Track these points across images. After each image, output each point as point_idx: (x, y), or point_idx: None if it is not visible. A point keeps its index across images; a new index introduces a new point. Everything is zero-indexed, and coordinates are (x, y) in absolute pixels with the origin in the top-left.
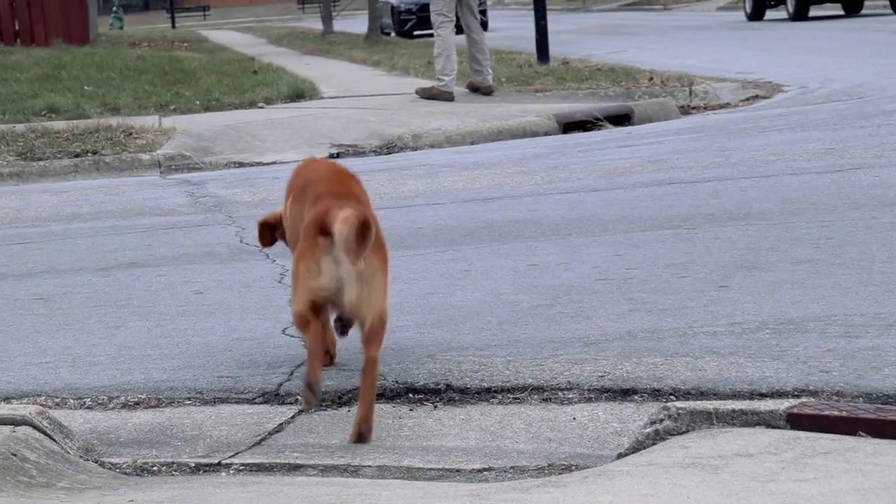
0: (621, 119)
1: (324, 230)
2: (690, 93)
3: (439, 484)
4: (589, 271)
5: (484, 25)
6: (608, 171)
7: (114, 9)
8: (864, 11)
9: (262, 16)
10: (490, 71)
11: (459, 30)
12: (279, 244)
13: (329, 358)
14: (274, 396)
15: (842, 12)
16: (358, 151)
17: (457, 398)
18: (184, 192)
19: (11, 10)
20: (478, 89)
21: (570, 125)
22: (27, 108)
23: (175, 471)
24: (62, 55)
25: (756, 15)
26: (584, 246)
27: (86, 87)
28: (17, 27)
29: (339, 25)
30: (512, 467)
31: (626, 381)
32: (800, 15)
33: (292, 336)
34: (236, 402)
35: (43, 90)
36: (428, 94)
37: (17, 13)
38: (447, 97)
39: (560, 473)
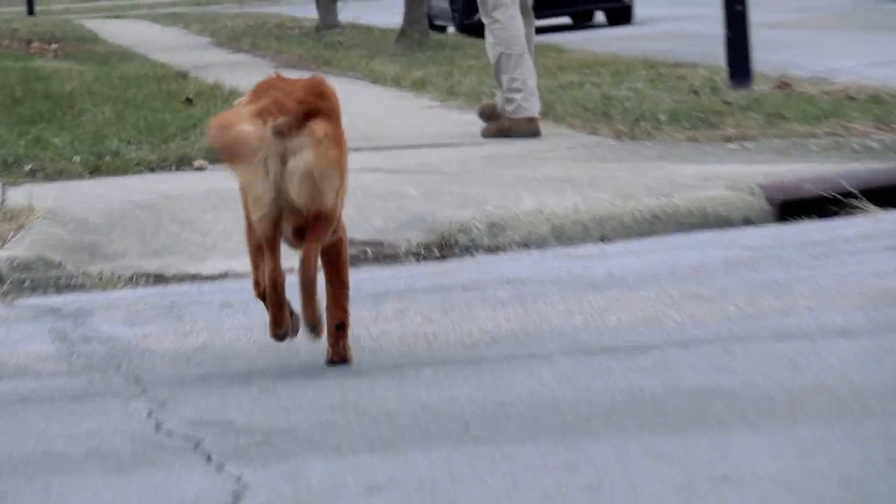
0: (895, 194)
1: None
2: None
3: None
4: (837, 493)
5: (626, 12)
6: (871, 296)
7: None
8: None
9: None
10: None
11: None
12: None
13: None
14: None
15: None
16: (385, 254)
17: None
18: (48, 333)
19: None
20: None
21: (793, 205)
22: None
23: None
24: None
25: None
26: (824, 443)
27: None
28: None
29: (348, 14)
30: None
31: None
32: None
33: None
34: None
35: None
36: (496, 131)
37: None
38: (527, 130)
39: None
